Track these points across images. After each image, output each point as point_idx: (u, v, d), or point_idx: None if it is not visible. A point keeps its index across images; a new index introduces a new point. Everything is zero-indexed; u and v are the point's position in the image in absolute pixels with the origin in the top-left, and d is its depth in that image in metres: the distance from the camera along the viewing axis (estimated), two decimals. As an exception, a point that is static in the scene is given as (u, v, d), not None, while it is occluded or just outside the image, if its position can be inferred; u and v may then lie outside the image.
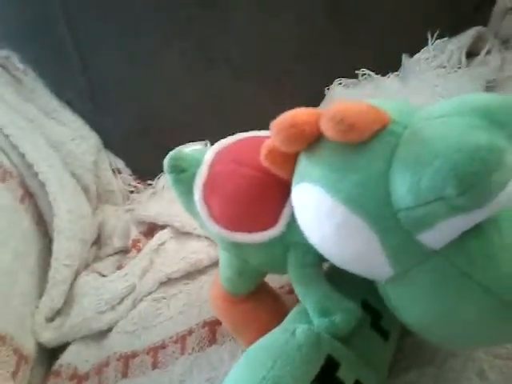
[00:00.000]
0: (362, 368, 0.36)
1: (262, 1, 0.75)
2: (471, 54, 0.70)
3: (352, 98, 0.74)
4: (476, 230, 0.29)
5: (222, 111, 0.79)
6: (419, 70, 0.70)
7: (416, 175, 0.28)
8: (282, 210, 0.40)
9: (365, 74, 0.75)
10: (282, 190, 0.40)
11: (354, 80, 0.76)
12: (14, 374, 0.56)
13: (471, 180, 0.26)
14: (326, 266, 0.43)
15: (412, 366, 0.42)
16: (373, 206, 0.30)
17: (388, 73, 0.76)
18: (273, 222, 0.41)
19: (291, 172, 0.37)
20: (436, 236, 0.30)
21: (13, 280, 0.61)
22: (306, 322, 0.39)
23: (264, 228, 0.41)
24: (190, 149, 0.47)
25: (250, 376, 0.34)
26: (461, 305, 0.31)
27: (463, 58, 0.68)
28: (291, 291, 0.54)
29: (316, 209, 0.33)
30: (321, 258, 0.40)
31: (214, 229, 0.43)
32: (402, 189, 0.29)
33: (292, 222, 0.40)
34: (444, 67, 0.68)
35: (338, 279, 0.41)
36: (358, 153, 0.31)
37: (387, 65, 0.77)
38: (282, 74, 0.77)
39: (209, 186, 0.43)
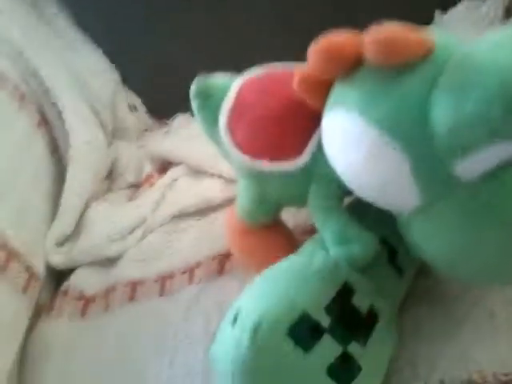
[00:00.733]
0: (375, 296, 0.37)
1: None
2: (509, 11, 0.69)
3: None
4: (508, 167, 0.29)
5: (242, 55, 0.78)
6: (452, 26, 0.68)
7: (461, 97, 0.28)
8: (308, 141, 0.41)
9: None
10: (309, 122, 0.40)
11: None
12: (25, 289, 0.57)
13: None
14: (346, 202, 0.44)
15: (422, 303, 0.43)
16: (408, 130, 0.30)
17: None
18: (297, 152, 0.41)
19: (323, 101, 0.37)
20: (472, 164, 0.30)
21: (28, 202, 0.62)
22: (323, 250, 0.39)
23: (288, 157, 0.41)
24: (217, 78, 0.47)
25: (266, 292, 0.35)
26: (481, 238, 0.31)
27: (500, 14, 0.66)
28: (304, 233, 0.55)
29: (348, 134, 0.33)
30: (343, 192, 0.41)
31: (237, 156, 0.43)
32: (444, 112, 0.29)
33: (317, 153, 0.40)
34: (479, 24, 0.67)
35: (358, 215, 0.41)
36: (398, 77, 0.31)
37: (419, 21, 0.75)
38: (306, 26, 0.76)
39: (235, 112, 0.43)
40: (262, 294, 0.36)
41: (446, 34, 0.33)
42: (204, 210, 0.65)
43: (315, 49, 0.33)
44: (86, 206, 0.71)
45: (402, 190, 0.32)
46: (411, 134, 0.30)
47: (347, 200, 0.44)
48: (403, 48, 0.29)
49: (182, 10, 0.79)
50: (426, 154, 0.30)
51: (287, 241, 0.50)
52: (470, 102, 0.27)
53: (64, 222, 0.67)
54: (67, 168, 0.70)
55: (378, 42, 0.30)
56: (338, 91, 0.35)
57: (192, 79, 0.52)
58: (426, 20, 0.74)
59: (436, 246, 0.34)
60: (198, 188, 0.67)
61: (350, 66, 0.33)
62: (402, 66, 0.30)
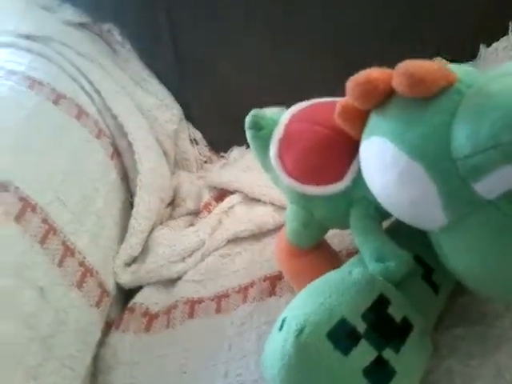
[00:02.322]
0: (409, 309, 0.40)
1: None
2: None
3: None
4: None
5: (298, 89, 0.83)
6: (497, 59, 0.71)
7: (476, 124, 0.32)
8: (349, 167, 0.45)
9: (440, 63, 0.77)
10: (349, 148, 0.44)
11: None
12: (98, 304, 0.64)
13: (525, 129, 0.29)
14: (385, 224, 0.47)
15: (460, 323, 0.45)
16: (433, 155, 0.34)
17: (464, 63, 0.77)
18: (339, 176, 0.45)
19: (361, 129, 0.41)
20: (490, 185, 0.33)
21: (102, 224, 0.70)
22: (363, 267, 0.43)
23: (331, 182, 0.46)
24: (269, 110, 0.53)
25: (309, 302, 0.39)
26: (509, 253, 0.34)
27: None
28: (348, 255, 0.58)
29: (381, 158, 0.37)
30: (381, 214, 0.44)
31: (286, 181, 0.48)
32: (463, 137, 0.32)
33: (357, 178, 0.44)
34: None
35: (395, 235, 0.44)
36: (424, 107, 0.35)
37: (464, 55, 0.78)
38: (355, 57, 0.81)
39: (284, 142, 0.48)
40: (306, 303, 0.39)
41: (467, 68, 0.36)
42: (257, 235, 0.70)
43: (353, 83, 0.38)
44: (152, 230, 0.78)
45: (430, 209, 0.36)
46: (436, 159, 0.34)
47: (387, 222, 0.47)
48: (427, 81, 0.33)
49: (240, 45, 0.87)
50: (451, 177, 0.34)
51: (333, 262, 0.53)
52: (483, 128, 0.31)
53: (132, 244, 0.73)
54: (135, 194, 0.77)
55: (404, 75, 0.34)
56: (373, 120, 0.39)
57: (245, 114, 0.58)
58: (472, 54, 0.77)
59: (466, 263, 0.37)
60: (251, 214, 0.72)
61: (384, 97, 0.38)
62: (426, 97, 0.34)
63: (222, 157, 0.92)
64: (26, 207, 0.59)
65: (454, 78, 0.35)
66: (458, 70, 0.36)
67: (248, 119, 0.51)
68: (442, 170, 0.34)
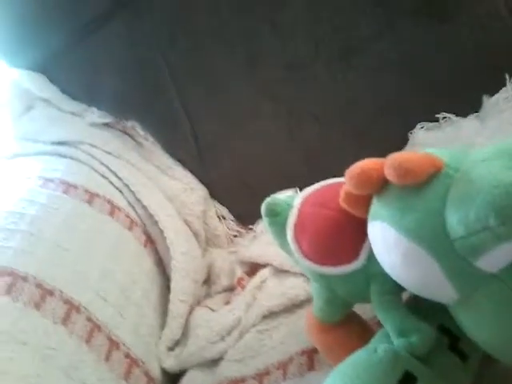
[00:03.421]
0: (438, 382, 0.41)
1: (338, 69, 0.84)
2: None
3: (434, 140, 0.78)
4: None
5: (312, 162, 0.88)
6: (498, 109, 0.73)
7: (464, 210, 0.34)
8: (363, 245, 0.47)
9: (445, 118, 0.80)
10: (360, 227, 0.46)
11: (435, 123, 0.81)
12: (145, 392, 0.67)
13: (508, 211, 0.31)
14: (406, 295, 0.49)
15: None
16: (431, 238, 0.36)
17: (469, 114, 0.79)
18: (355, 255, 0.47)
19: (366, 211, 0.44)
20: (490, 261, 0.35)
21: (142, 313, 0.73)
22: (388, 342, 0.44)
23: (347, 261, 0.48)
24: (282, 195, 0.56)
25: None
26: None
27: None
28: (379, 323, 0.59)
29: (385, 241, 0.40)
30: (400, 287, 0.46)
31: (305, 263, 0.51)
32: (455, 222, 0.35)
33: (372, 255, 0.46)
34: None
35: (416, 306, 0.46)
36: (417, 194, 0.37)
37: (469, 107, 0.81)
38: (365, 124, 0.85)
39: (298, 226, 0.51)
40: (334, 385, 0.41)
41: (454, 150, 0.39)
42: (291, 307, 0.72)
43: (349, 175, 0.41)
44: (190, 311, 0.81)
45: (438, 286, 0.38)
46: (434, 240, 0.36)
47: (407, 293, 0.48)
48: (414, 171, 0.36)
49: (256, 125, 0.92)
50: (451, 255, 0.36)
51: (362, 334, 0.54)
52: (472, 213, 0.33)
53: (173, 328, 0.76)
54: (171, 278, 0.81)
55: (392, 167, 0.37)
56: (374, 205, 0.42)
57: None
58: (476, 105, 0.79)
59: (483, 335, 0.38)
60: (283, 287, 0.74)
61: (379, 185, 0.40)
62: (417, 184, 0.37)
63: (251, 229, 0.95)
64: (71, 309, 0.63)
65: (441, 164, 0.37)
66: (444, 154, 0.38)
67: (263, 207, 0.54)
68: (441, 250, 0.36)
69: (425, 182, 0.37)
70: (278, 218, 0.53)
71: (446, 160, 0.37)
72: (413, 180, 0.37)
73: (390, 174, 0.37)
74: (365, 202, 0.43)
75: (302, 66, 0.87)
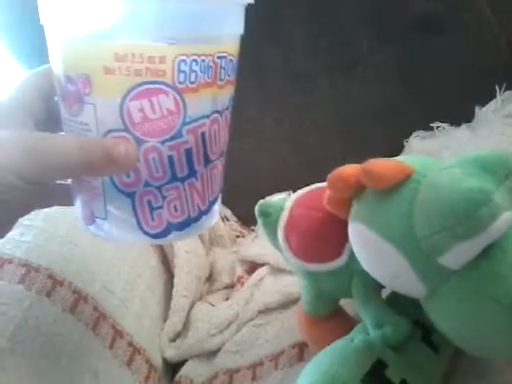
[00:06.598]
0: (408, 371, 0.44)
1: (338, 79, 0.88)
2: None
3: (428, 148, 0.82)
4: (484, 252, 0.38)
5: (313, 167, 0.92)
6: (488, 120, 0.77)
7: (427, 212, 0.38)
8: (345, 244, 0.51)
9: (439, 127, 0.84)
10: (344, 227, 0.50)
11: (430, 132, 0.85)
12: (147, 379, 0.71)
13: (464, 213, 0.35)
14: (387, 292, 0.53)
15: (469, 378, 0.48)
16: (400, 237, 0.40)
17: (462, 124, 0.83)
18: (338, 253, 0.51)
19: (347, 213, 0.48)
20: (452, 259, 0.38)
21: (145, 305, 0.78)
22: (366, 334, 0.48)
23: (331, 259, 0.52)
24: (275, 198, 0.60)
25: (314, 371, 0.45)
26: (481, 319, 0.39)
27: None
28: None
29: (361, 241, 0.44)
30: (378, 284, 0.50)
31: (293, 260, 0.55)
32: (420, 222, 0.39)
33: (353, 253, 0.50)
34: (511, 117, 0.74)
35: (394, 301, 0.50)
36: (389, 197, 0.41)
37: (462, 117, 0.84)
38: (365, 132, 0.89)
39: (288, 226, 0.55)
40: (312, 372, 0.45)
41: (426, 159, 0.43)
42: (286, 304, 0.76)
43: (329, 180, 0.45)
44: (192, 305, 0.85)
45: (409, 282, 0.41)
46: (403, 239, 0.40)
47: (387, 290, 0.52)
48: (384, 176, 0.40)
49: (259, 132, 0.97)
50: (418, 254, 0.40)
51: (348, 328, 0.58)
52: (433, 215, 0.37)
53: (175, 321, 0.81)
54: (174, 275, 0.86)
55: (365, 172, 0.41)
56: (354, 207, 0.46)
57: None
58: (467, 116, 0.83)
59: (450, 329, 0.42)
60: (279, 285, 0.78)
61: (358, 189, 0.44)
62: (389, 188, 0.41)
63: (253, 230, 1.00)
64: (79, 299, 0.68)
65: (411, 171, 0.41)
66: (415, 161, 0.42)
67: (257, 208, 0.58)
68: (410, 248, 0.40)
69: (396, 186, 0.41)
70: (270, 219, 0.58)
71: (415, 167, 0.41)
72: (384, 185, 0.41)
73: (363, 179, 0.41)
74: (346, 205, 0.47)
75: (306, 77, 0.92)
